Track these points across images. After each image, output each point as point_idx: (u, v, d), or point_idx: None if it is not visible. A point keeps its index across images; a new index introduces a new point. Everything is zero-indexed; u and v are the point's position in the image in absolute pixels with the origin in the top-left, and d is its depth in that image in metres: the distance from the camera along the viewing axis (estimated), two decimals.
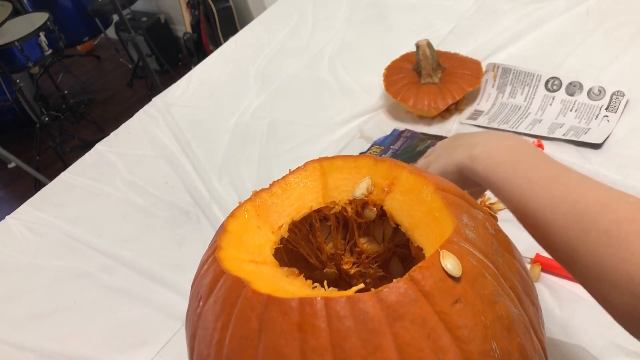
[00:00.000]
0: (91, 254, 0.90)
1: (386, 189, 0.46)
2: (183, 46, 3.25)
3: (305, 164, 0.50)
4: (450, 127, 0.92)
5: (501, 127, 0.88)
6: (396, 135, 0.93)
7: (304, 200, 0.48)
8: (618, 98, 0.85)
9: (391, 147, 0.91)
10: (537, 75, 0.91)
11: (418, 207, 0.44)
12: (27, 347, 0.78)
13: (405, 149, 0.90)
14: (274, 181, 0.49)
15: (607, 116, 0.84)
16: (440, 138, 0.90)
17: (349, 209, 0.48)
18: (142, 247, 0.89)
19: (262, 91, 1.15)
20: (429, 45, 0.93)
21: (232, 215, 0.46)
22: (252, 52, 1.29)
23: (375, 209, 0.48)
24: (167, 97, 1.22)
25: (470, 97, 0.95)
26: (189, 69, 1.31)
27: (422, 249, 0.42)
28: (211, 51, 2.98)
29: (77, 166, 1.11)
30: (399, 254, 0.52)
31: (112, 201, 1.00)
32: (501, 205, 0.76)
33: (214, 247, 0.43)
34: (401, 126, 0.95)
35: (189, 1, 2.96)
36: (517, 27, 1.07)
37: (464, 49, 1.05)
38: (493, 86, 0.95)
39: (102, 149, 1.13)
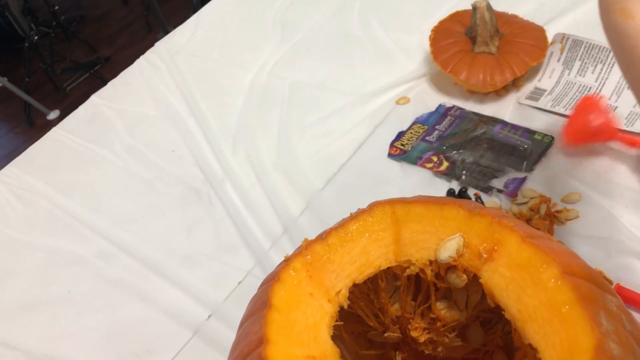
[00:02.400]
0: (87, 235, 0.79)
1: (484, 255, 0.35)
2: None
3: (372, 207, 0.38)
4: (506, 107, 0.79)
5: (568, 112, 0.75)
6: (442, 112, 0.81)
7: (369, 256, 0.37)
8: None
9: (436, 127, 0.79)
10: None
11: (534, 293, 0.32)
12: (16, 346, 0.69)
13: (453, 130, 0.78)
14: (331, 229, 0.38)
15: None
16: (495, 121, 0.77)
17: (428, 271, 0.37)
18: (146, 230, 0.78)
19: (282, 44, 1.00)
20: (489, 7, 0.78)
21: (278, 279, 0.35)
22: None
23: (465, 276, 0.36)
24: (172, 42, 1.07)
25: (530, 72, 0.81)
26: None
27: (536, 350, 0.32)
28: None
29: (69, 122, 0.98)
30: (481, 318, 0.41)
31: (111, 169, 0.88)
32: (571, 214, 0.65)
33: (259, 338, 0.32)
34: (447, 101, 0.82)
35: None
36: None
37: (522, 9, 0.90)
38: (559, 60, 0.81)
39: (99, 102, 1.00)
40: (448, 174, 0.73)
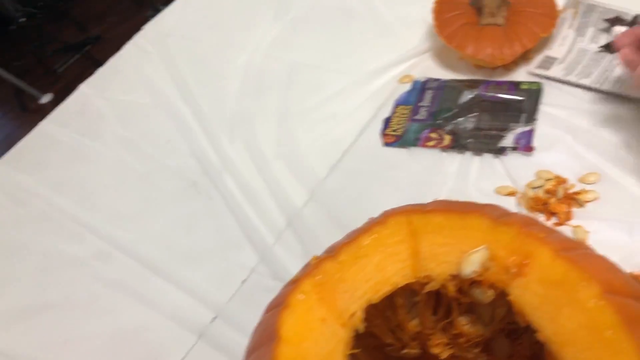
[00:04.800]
0: (82, 234, 0.76)
1: (513, 270, 0.31)
2: None
3: (386, 217, 0.34)
4: (517, 78, 0.75)
5: (581, 81, 0.71)
6: (419, 88, 0.77)
7: (385, 272, 0.34)
8: None
9: (420, 105, 0.75)
10: (630, 15, 0.73)
11: (571, 314, 0.29)
12: (16, 356, 0.66)
13: (439, 104, 0.74)
14: (341, 244, 0.34)
15: None
16: (477, 82, 0.74)
17: (450, 287, 0.34)
18: (143, 227, 0.75)
19: (276, 21, 0.95)
20: None
21: (286, 305, 0.32)
22: None
23: (492, 291, 0.33)
24: (161, 25, 1.02)
25: (540, 41, 0.76)
26: None
27: None
28: None
29: (59, 114, 0.94)
30: (507, 330, 0.38)
31: (104, 163, 0.84)
32: (590, 196, 0.62)
33: None
34: (451, 76, 0.78)
35: None
36: None
37: None
38: (570, 27, 0.76)
39: (88, 92, 0.95)
40: (454, 147, 0.69)
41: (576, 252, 0.31)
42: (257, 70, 0.88)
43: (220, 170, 0.77)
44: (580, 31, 0.75)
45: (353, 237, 0.34)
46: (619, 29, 0.72)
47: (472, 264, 0.32)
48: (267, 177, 0.74)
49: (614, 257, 0.56)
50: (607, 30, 0.74)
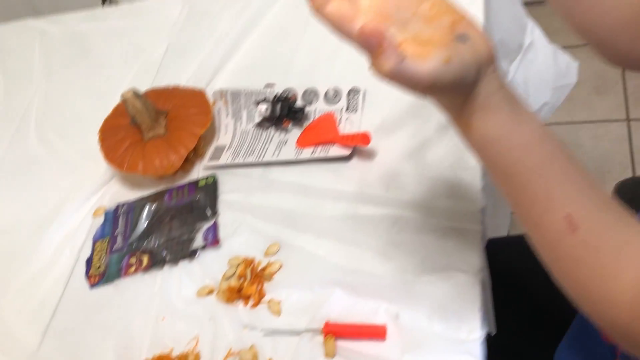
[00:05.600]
0: None
1: None
2: None
3: None
4: (196, 175, 0.79)
5: (247, 160, 0.77)
6: (111, 217, 0.78)
7: None
8: (355, 95, 0.78)
9: (116, 233, 0.76)
10: (270, 92, 0.81)
11: None
12: None
13: (132, 228, 0.75)
14: None
15: (348, 118, 0.77)
16: (161, 193, 0.78)
17: None
18: None
19: None
20: (137, 95, 0.77)
21: None
22: None
23: None
24: None
25: (207, 135, 0.81)
26: None
27: None
28: None
29: None
30: None
31: None
32: (274, 267, 0.66)
33: None
34: (139, 194, 0.79)
35: None
36: (234, 30, 0.94)
37: (186, 73, 0.91)
38: (227, 115, 0.83)
39: None
40: (153, 265, 0.71)
41: None
42: None
43: None
44: (236, 116, 0.82)
45: None
46: (263, 106, 0.80)
47: None
48: None
49: (306, 318, 0.61)
50: (255, 110, 0.81)
